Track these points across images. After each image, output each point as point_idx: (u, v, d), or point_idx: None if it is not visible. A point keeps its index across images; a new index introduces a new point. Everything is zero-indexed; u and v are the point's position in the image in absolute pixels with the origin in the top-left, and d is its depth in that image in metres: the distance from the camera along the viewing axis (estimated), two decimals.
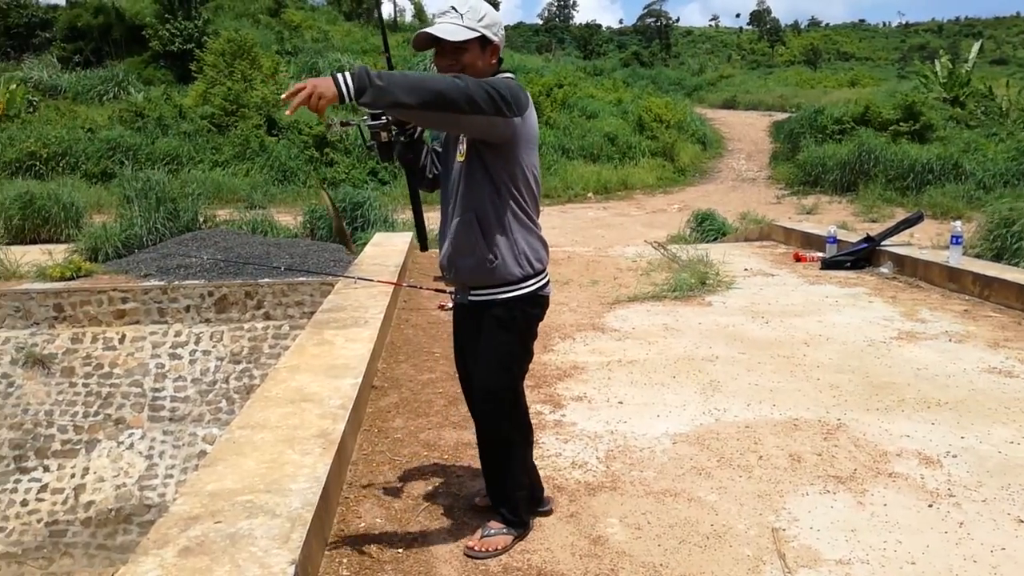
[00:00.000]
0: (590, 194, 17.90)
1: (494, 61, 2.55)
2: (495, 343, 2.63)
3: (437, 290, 5.88)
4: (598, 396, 4.25)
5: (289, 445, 3.07)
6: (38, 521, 7.91)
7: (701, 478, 3.32)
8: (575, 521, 2.96)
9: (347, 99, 2.11)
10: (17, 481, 8.19)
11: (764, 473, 3.36)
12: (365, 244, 9.31)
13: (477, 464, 3.40)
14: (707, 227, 11.24)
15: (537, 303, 2.67)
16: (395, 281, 5.97)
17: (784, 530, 2.90)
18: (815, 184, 17.38)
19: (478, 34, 2.47)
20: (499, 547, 2.76)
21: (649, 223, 14.05)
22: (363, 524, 2.92)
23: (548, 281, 2.71)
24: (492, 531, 2.80)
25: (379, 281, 5.60)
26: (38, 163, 16.01)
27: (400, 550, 2.74)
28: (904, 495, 3.18)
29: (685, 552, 2.75)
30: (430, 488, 3.21)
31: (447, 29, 2.44)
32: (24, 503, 8.02)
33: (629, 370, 4.73)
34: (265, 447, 3.05)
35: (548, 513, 2.99)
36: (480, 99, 2.27)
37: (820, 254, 8.12)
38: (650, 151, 20.93)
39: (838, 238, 8.08)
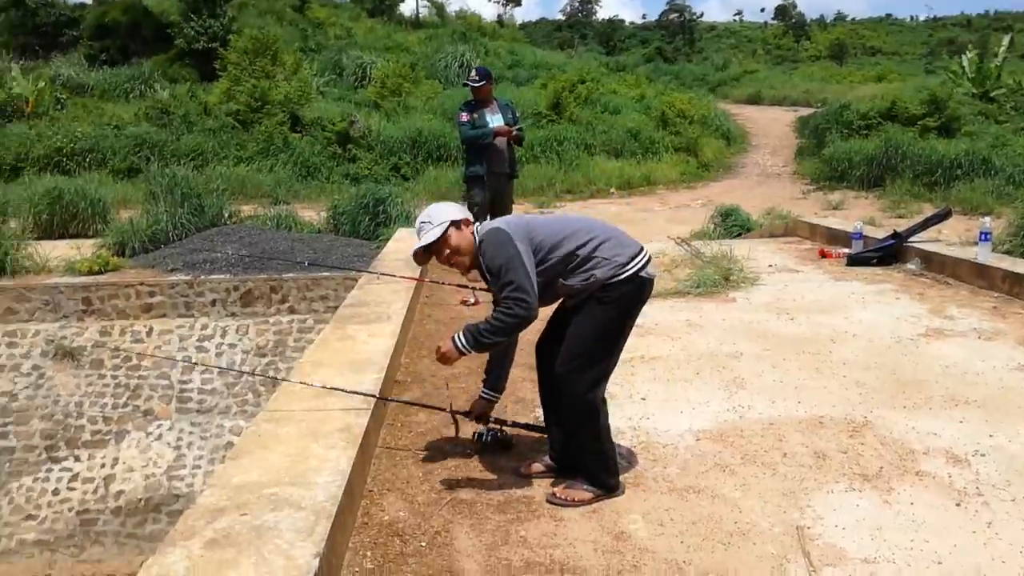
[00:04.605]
0: (612, 189, 17.81)
1: (468, 229, 3.10)
2: (583, 315, 3.05)
3: (459, 286, 5.90)
4: (620, 392, 4.22)
5: (313, 439, 3.09)
6: (69, 510, 8.04)
7: (725, 475, 3.30)
8: (597, 517, 2.96)
9: (465, 354, 2.96)
10: (49, 470, 8.32)
11: (788, 471, 3.34)
12: (387, 240, 9.35)
13: (499, 459, 3.42)
14: (731, 223, 11.13)
15: (627, 283, 3.03)
16: (417, 277, 5.98)
17: (809, 528, 2.88)
18: (841, 179, 17.17)
19: (446, 224, 3.05)
20: (577, 500, 3.05)
21: (672, 218, 13.96)
22: (386, 517, 2.94)
23: (635, 267, 3.05)
24: (576, 484, 3.09)
25: (401, 277, 5.62)
26: (66, 159, 16.20)
27: (423, 543, 2.76)
28: (931, 494, 3.14)
29: (708, 549, 2.74)
30: (452, 482, 3.22)
31: (429, 235, 3.05)
32: (56, 492, 8.16)
33: (652, 366, 4.71)
34: (290, 441, 3.08)
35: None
36: (522, 319, 2.88)
37: (846, 250, 8.03)
38: (673, 146, 20.77)
39: (864, 234, 7.99)
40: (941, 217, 7.86)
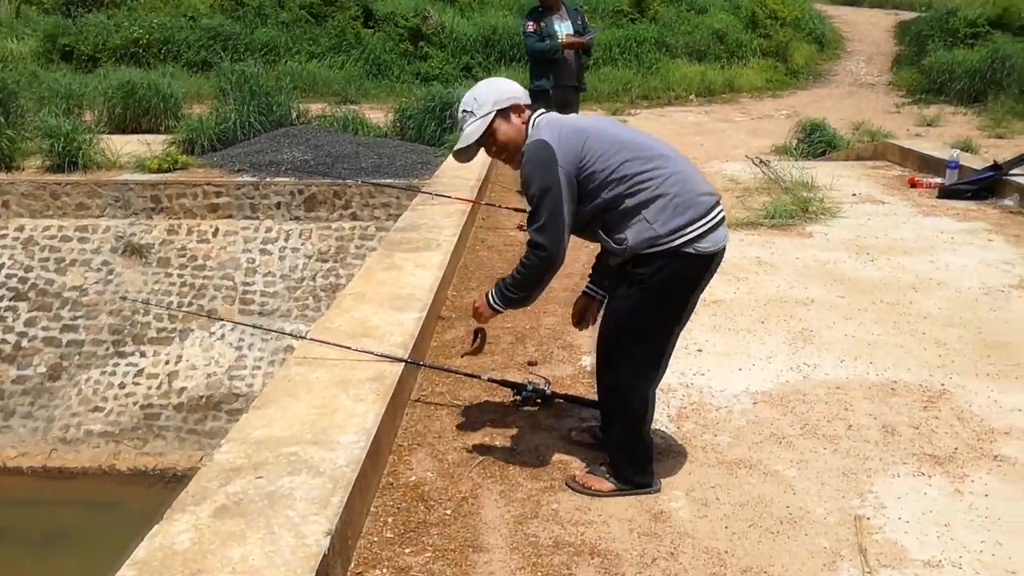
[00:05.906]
0: (692, 96, 16.98)
1: (521, 118, 2.67)
2: (618, 294, 2.67)
3: (516, 209, 5.65)
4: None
5: (343, 388, 2.96)
6: (134, 404, 8.32)
7: (781, 448, 3.06)
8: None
9: (499, 311, 2.72)
10: (115, 364, 8.59)
11: (852, 446, 3.07)
12: (451, 148, 9.07)
13: (538, 415, 3.25)
14: (816, 139, 10.45)
15: (664, 257, 2.50)
16: (473, 199, 5.74)
17: (868, 519, 2.63)
18: (939, 93, 15.97)
19: (492, 114, 2.63)
20: (595, 488, 2.73)
21: (753, 130, 13.22)
22: (413, 478, 2.80)
23: (681, 238, 2.48)
24: (599, 470, 2.78)
25: (456, 198, 5.39)
26: (141, 51, 16.17)
27: (448, 511, 2.62)
28: (1010, 484, 2.85)
29: (754, 538, 2.53)
30: (487, 439, 3.06)
31: (469, 133, 2.66)
32: (121, 385, 8.44)
33: (712, 311, 4.42)
34: (318, 389, 2.95)
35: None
36: (540, 269, 2.57)
37: (939, 180, 7.43)
38: (761, 50, 19.55)
39: (960, 163, 7.35)
40: None
